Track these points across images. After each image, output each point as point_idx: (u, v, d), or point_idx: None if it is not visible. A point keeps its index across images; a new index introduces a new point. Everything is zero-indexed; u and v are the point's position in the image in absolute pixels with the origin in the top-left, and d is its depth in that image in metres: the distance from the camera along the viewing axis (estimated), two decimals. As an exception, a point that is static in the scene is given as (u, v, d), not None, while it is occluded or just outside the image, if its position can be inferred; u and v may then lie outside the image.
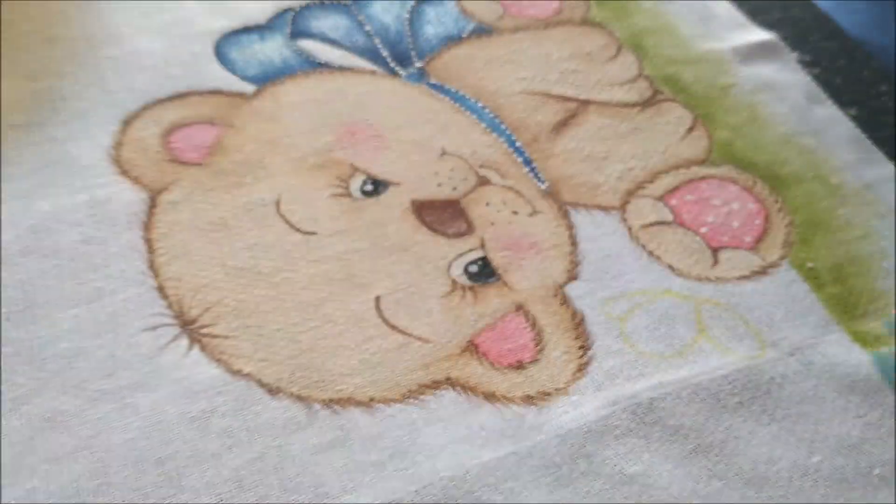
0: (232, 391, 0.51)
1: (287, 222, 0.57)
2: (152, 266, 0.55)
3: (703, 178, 0.60)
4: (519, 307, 0.54)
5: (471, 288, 0.55)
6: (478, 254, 0.56)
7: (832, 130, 0.64)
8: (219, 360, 0.52)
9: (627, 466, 0.49)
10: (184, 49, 0.67)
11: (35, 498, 0.47)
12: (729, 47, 0.69)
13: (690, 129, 0.63)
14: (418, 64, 0.66)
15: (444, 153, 0.61)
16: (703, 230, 0.58)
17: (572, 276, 0.56)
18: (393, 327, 0.53)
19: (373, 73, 0.66)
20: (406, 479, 0.48)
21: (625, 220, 0.58)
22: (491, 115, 0.63)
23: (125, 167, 0.60)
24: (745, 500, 0.48)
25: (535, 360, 0.52)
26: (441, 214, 0.58)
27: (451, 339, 0.53)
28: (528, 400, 0.51)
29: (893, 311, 0.53)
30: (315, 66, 0.66)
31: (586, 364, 0.52)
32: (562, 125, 0.63)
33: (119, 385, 0.51)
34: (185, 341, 0.52)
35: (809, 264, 0.56)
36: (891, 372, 0.51)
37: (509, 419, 0.50)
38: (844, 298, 0.55)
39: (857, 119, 0.64)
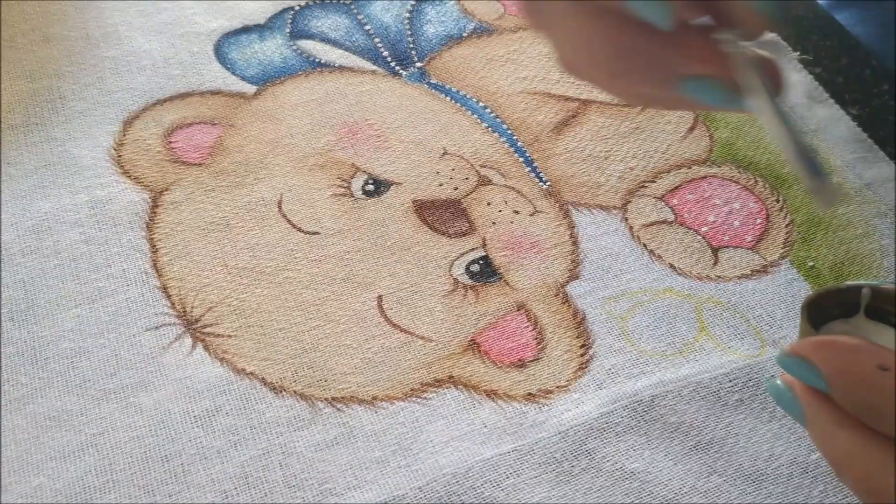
0: (236, 390, 0.51)
1: (289, 222, 0.58)
2: (155, 266, 0.55)
3: (703, 177, 0.61)
4: (520, 306, 0.55)
5: (472, 287, 0.55)
6: (479, 253, 0.57)
7: (833, 129, 0.64)
8: (222, 360, 0.52)
9: (628, 463, 0.49)
10: (183, 49, 0.67)
11: (42, 494, 0.47)
12: (728, 47, 0.69)
13: (691, 129, 0.63)
14: (419, 64, 0.66)
15: (445, 153, 0.61)
16: (703, 229, 0.58)
17: (573, 276, 0.56)
18: (395, 326, 0.54)
19: (373, 72, 0.66)
20: (409, 476, 0.48)
21: (626, 219, 0.59)
22: (492, 115, 0.63)
23: (126, 167, 0.60)
24: (744, 496, 0.48)
25: (536, 359, 0.53)
26: (442, 214, 0.58)
27: (453, 338, 0.53)
28: (530, 398, 0.51)
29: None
30: (315, 65, 0.66)
31: (587, 362, 0.53)
32: (563, 125, 0.63)
33: (122, 384, 0.51)
34: (188, 341, 0.53)
35: (810, 263, 0.57)
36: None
37: (511, 417, 0.50)
38: (845, 297, 0.55)
39: (857, 118, 0.64)
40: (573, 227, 0.58)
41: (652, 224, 0.58)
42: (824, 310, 0.45)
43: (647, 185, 0.60)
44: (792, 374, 0.41)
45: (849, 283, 0.47)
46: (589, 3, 0.43)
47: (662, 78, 0.44)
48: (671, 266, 0.57)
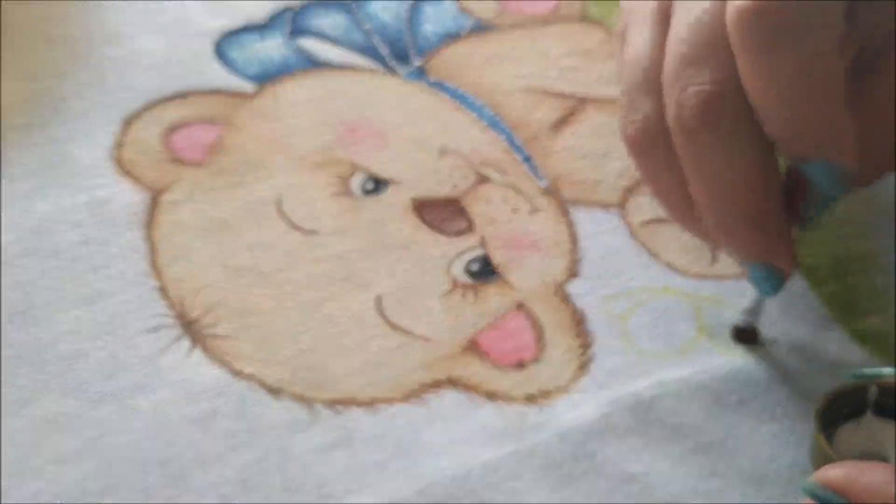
0: (234, 392, 0.51)
1: (288, 221, 0.58)
2: (153, 267, 0.55)
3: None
4: (520, 306, 0.55)
5: (471, 286, 0.55)
6: (478, 252, 0.57)
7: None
8: (220, 361, 0.52)
9: (628, 465, 0.49)
10: (184, 48, 0.67)
11: (40, 499, 0.47)
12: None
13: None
14: (417, 62, 0.66)
15: (443, 151, 0.61)
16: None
17: (573, 274, 0.56)
18: (394, 326, 0.54)
19: (372, 71, 0.66)
20: (409, 479, 0.48)
21: (624, 217, 0.59)
22: (490, 113, 0.63)
23: (126, 167, 0.60)
24: (745, 498, 0.48)
25: (536, 359, 0.53)
26: (441, 213, 0.58)
27: (452, 338, 0.53)
28: (530, 399, 0.51)
29: None
30: (315, 64, 0.66)
31: (587, 363, 0.52)
32: (561, 122, 0.63)
33: (121, 387, 0.51)
34: (186, 342, 0.52)
35: (809, 261, 0.56)
36: None
37: (511, 418, 0.50)
38: (844, 296, 0.55)
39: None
40: (572, 226, 0.58)
41: (650, 221, 0.58)
42: (834, 412, 0.47)
43: (646, 182, 0.60)
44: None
45: (853, 373, 0.48)
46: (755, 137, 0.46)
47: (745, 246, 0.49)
48: (669, 264, 0.56)
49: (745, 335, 0.53)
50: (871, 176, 0.50)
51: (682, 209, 0.49)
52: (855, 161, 0.46)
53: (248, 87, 0.65)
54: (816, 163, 0.45)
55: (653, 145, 0.48)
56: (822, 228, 0.50)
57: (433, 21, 0.69)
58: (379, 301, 0.55)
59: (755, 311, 0.53)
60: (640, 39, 0.49)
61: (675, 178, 0.48)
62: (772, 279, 0.49)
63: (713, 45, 0.45)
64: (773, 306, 0.54)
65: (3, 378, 0.51)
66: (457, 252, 0.57)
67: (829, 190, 0.46)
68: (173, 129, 0.62)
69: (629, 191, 0.60)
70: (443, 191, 0.59)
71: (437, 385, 0.51)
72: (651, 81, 0.48)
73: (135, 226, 0.57)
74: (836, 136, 0.45)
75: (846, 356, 0.53)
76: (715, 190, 0.47)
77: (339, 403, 0.50)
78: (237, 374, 0.51)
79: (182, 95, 0.64)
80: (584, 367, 0.52)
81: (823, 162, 0.45)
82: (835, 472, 0.41)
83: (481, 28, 0.69)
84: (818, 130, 0.45)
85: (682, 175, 0.48)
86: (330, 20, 0.69)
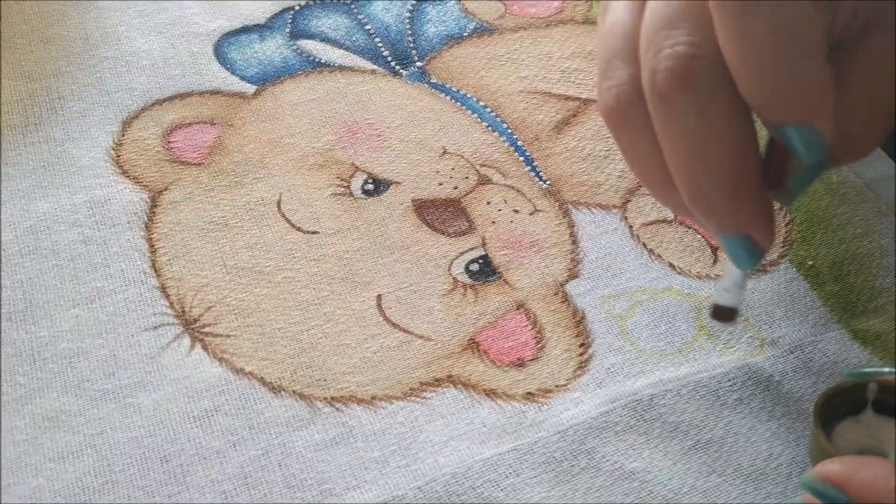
0: (234, 390, 0.51)
1: (288, 222, 0.58)
2: (153, 266, 0.56)
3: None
4: (520, 305, 0.55)
5: (472, 286, 0.55)
6: (479, 252, 0.57)
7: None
8: (221, 360, 0.52)
9: (627, 462, 0.49)
10: (183, 49, 0.67)
11: (40, 496, 0.47)
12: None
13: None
14: (419, 63, 0.66)
15: (444, 152, 0.61)
16: (703, 228, 0.58)
17: (573, 275, 0.56)
18: (394, 326, 0.54)
19: (373, 72, 0.66)
20: (409, 476, 0.48)
21: (625, 218, 0.59)
22: (492, 114, 0.63)
23: (125, 167, 0.60)
24: (743, 495, 0.48)
25: (535, 358, 0.53)
26: (442, 213, 0.58)
27: (453, 338, 0.53)
28: (530, 397, 0.51)
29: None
30: (315, 65, 0.66)
31: (587, 361, 0.53)
32: (563, 124, 0.63)
33: (121, 385, 0.51)
34: (186, 341, 0.53)
35: (809, 262, 0.56)
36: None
37: (510, 416, 0.50)
38: (844, 296, 0.55)
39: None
40: (573, 226, 0.58)
41: (652, 223, 0.58)
42: (833, 409, 0.47)
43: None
44: (820, 498, 0.41)
45: (853, 371, 0.48)
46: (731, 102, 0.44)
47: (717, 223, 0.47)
48: (671, 265, 0.56)
49: (724, 314, 0.51)
50: (859, 151, 0.49)
51: (657, 179, 0.48)
52: (832, 124, 0.44)
53: (247, 87, 0.65)
54: (794, 128, 0.44)
55: (627, 112, 0.47)
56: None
57: (435, 22, 0.69)
58: (379, 300, 0.55)
59: (735, 288, 0.51)
60: (619, 7, 0.49)
61: (650, 146, 0.47)
62: (749, 252, 0.47)
63: (690, 8, 0.44)
64: (773, 306, 0.55)
65: (3, 376, 0.51)
66: (457, 252, 0.57)
67: (809, 158, 0.44)
68: (172, 129, 0.62)
69: (630, 192, 0.60)
70: (444, 191, 0.59)
71: (437, 383, 0.51)
72: (628, 48, 0.47)
73: (134, 225, 0.57)
74: (812, 98, 0.44)
75: (846, 356, 0.53)
76: (690, 155, 0.45)
77: (340, 401, 0.51)
78: (238, 372, 0.51)
79: (181, 96, 0.64)
80: (583, 365, 0.52)
81: (801, 127, 0.44)
82: (834, 467, 0.41)
83: (483, 30, 0.69)
84: (793, 92, 0.44)
85: (657, 144, 0.46)
86: (331, 21, 0.69)
